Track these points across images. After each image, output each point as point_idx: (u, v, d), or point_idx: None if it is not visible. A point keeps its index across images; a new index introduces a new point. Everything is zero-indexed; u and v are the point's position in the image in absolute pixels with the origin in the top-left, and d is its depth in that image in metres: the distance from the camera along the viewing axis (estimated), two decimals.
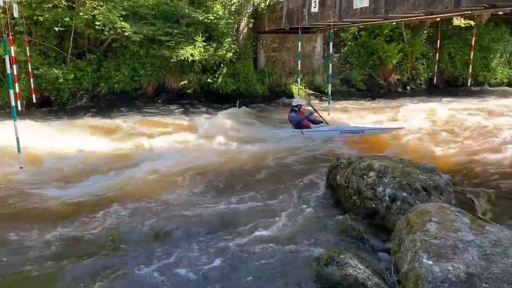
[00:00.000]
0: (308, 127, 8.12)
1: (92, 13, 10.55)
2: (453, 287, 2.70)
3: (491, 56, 15.13)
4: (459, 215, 3.38)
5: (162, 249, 3.84)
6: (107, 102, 11.60)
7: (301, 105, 8.37)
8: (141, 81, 12.09)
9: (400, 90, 14.55)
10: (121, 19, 10.91)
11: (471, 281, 2.71)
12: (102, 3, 10.78)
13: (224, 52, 11.51)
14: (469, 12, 7.99)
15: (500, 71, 15.25)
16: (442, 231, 3.17)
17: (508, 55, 15.47)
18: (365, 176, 4.29)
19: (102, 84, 11.70)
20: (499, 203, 4.98)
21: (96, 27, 10.66)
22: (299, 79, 11.10)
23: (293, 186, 5.42)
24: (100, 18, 10.52)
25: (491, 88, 14.81)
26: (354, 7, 7.19)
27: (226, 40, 11.64)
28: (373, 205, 4.14)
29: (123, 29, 10.78)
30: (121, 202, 4.82)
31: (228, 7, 11.60)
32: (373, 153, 5.22)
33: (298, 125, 8.06)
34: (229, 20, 11.55)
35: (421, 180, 4.22)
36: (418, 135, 8.03)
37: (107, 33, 10.80)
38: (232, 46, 11.69)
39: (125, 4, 11.42)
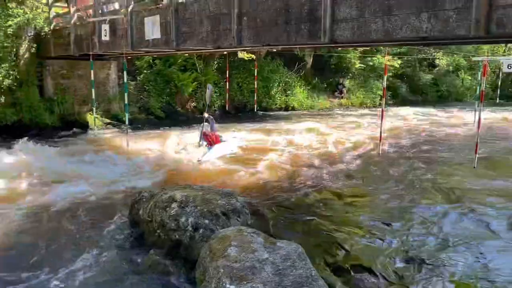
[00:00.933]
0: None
1: None
2: None
3: (271, 85, 17.33)
4: (255, 235, 3.71)
5: None
6: None
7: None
8: None
9: (198, 116, 15.24)
10: None
11: None
12: None
13: (1, 79, 10.06)
14: (250, 48, 9.05)
15: (278, 98, 17.58)
16: (242, 253, 3.42)
17: (283, 84, 17.97)
18: (168, 208, 4.31)
19: None
20: (284, 217, 5.68)
21: None
22: (94, 108, 10.51)
23: (93, 228, 5.04)
24: None
25: (272, 113, 16.90)
26: (146, 38, 7.26)
27: (2, 65, 10.21)
28: (177, 236, 4.18)
29: None
30: None
31: (4, 29, 10.22)
32: (175, 184, 5.31)
33: None
34: (5, 44, 10.19)
35: (220, 206, 4.48)
36: (215, 160, 8.55)
37: None
38: (11, 72, 10.31)
39: None
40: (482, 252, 4.70)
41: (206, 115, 8.61)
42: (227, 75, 14.80)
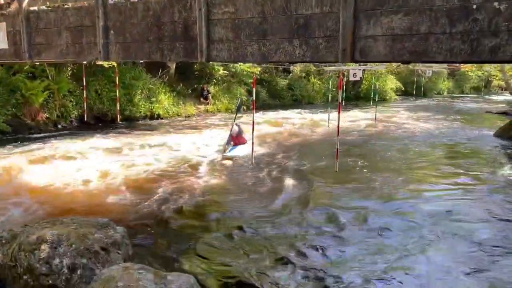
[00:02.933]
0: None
1: None
2: None
3: (134, 92, 16.58)
4: (143, 272, 3.48)
5: None
6: None
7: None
8: None
9: (51, 128, 13.79)
10: None
11: None
12: None
13: None
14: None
15: (142, 106, 16.90)
16: None
17: (147, 91, 17.36)
18: (36, 251, 3.78)
19: None
20: (165, 239, 5.48)
21: None
22: None
23: None
24: None
25: (139, 122, 16.19)
26: None
27: None
28: (51, 282, 3.70)
29: None
30: None
31: None
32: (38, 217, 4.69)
33: None
34: None
35: (98, 240, 4.10)
36: (76, 183, 7.83)
37: None
38: None
39: None
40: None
41: (235, 124, 10.70)
42: (84, 83, 13.74)
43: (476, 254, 5.22)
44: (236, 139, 10.59)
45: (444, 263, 4.94)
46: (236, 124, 10.78)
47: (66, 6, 5.66)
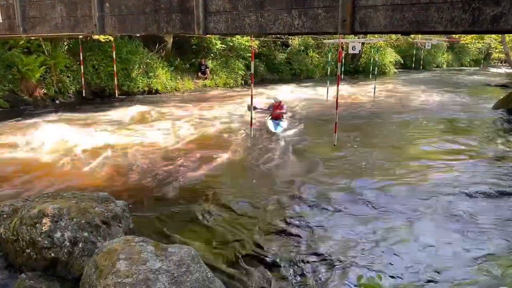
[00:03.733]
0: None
1: None
2: None
3: (131, 67, 16.42)
4: (144, 244, 3.52)
5: None
6: None
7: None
8: None
9: (48, 104, 13.70)
10: None
11: None
12: None
13: None
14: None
15: (140, 81, 16.77)
16: (133, 266, 3.22)
17: (145, 66, 17.19)
18: (38, 225, 3.81)
19: None
20: (168, 213, 5.53)
21: None
22: None
23: None
24: None
25: (135, 97, 16.08)
26: None
27: None
28: (53, 254, 3.74)
29: None
30: None
31: None
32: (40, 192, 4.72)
33: None
34: None
35: (99, 214, 4.13)
36: (78, 157, 7.85)
37: None
38: None
39: None
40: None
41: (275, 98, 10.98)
42: (81, 58, 13.60)
43: (466, 229, 5.25)
44: (275, 114, 10.64)
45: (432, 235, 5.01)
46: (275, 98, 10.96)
47: None
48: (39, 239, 3.77)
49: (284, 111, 10.79)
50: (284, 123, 10.52)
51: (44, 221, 3.81)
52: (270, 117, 10.69)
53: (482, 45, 38.64)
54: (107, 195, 4.58)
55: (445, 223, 5.37)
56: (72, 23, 5.48)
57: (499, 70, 36.28)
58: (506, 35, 21.32)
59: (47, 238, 3.76)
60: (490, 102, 15.34)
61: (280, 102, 10.69)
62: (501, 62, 41.89)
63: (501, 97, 15.23)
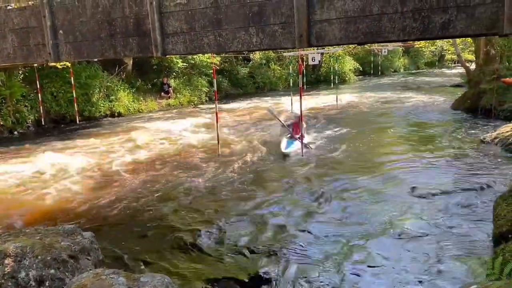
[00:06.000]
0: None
1: None
2: None
3: (91, 92, 16.07)
4: (115, 276, 3.39)
5: None
6: None
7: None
8: None
9: (7, 136, 13.18)
10: None
11: None
12: None
13: None
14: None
15: (102, 105, 16.43)
16: None
17: (105, 90, 16.87)
18: (0, 266, 3.62)
19: None
20: (135, 239, 5.38)
21: None
22: None
23: None
24: None
25: (100, 122, 15.71)
26: None
27: None
28: None
29: None
30: None
31: None
32: None
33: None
34: None
35: (65, 248, 3.96)
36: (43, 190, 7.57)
37: None
38: None
39: None
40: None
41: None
42: (38, 86, 13.23)
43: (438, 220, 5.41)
44: (296, 133, 9.70)
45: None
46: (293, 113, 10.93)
47: (8, 7, 5.38)
48: (3, 281, 3.57)
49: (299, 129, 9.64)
50: (296, 143, 9.22)
51: (6, 261, 3.61)
52: (289, 135, 9.75)
53: (436, 48, 40.27)
54: (73, 227, 4.41)
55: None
56: (25, 52, 5.32)
57: (453, 71, 37.84)
58: None
59: (11, 280, 3.57)
60: (449, 103, 15.93)
61: (297, 119, 9.74)
62: (454, 63, 43.68)
63: (457, 97, 15.85)
